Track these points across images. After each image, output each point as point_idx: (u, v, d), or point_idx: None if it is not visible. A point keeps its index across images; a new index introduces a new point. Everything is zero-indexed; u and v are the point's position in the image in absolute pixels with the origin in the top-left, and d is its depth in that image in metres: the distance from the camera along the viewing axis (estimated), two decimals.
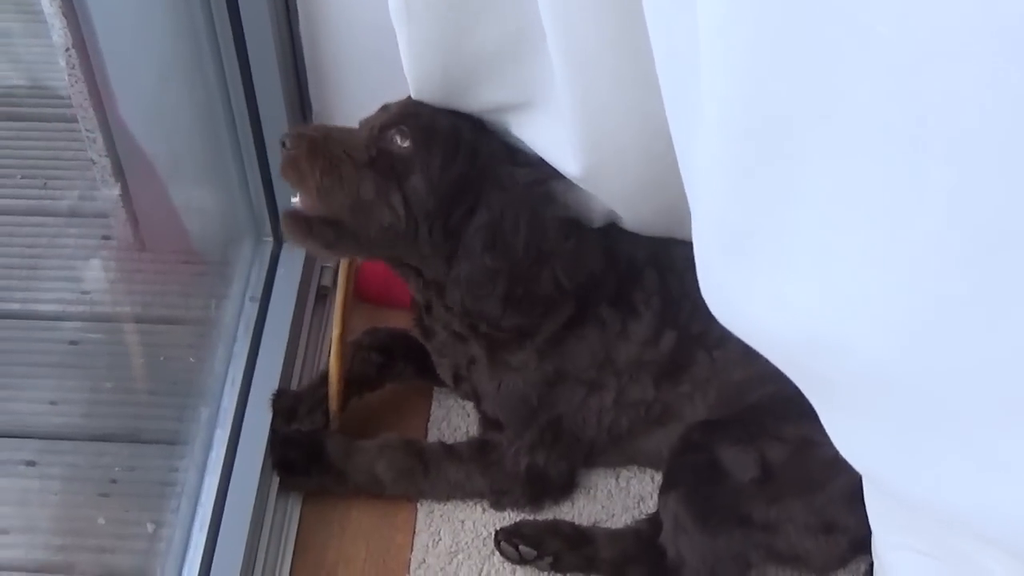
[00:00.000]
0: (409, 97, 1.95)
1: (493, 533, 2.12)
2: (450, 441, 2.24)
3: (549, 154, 1.91)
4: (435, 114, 1.93)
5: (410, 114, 1.92)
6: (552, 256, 1.95)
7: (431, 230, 1.92)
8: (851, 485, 1.82)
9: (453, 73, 1.86)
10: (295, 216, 1.92)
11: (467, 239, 1.92)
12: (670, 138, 1.45)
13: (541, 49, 1.73)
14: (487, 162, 1.94)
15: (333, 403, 2.19)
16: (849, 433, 1.47)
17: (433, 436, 2.29)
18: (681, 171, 1.46)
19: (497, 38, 1.80)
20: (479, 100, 1.92)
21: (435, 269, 1.98)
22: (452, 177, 1.91)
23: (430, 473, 2.15)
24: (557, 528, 2.12)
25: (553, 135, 1.85)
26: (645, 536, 2.08)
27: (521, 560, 2.08)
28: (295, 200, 1.94)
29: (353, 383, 2.23)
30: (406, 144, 1.90)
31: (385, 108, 1.97)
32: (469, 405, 2.28)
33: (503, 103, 1.92)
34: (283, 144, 1.91)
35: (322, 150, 1.88)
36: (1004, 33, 0.93)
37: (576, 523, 2.14)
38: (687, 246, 1.50)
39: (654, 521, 2.08)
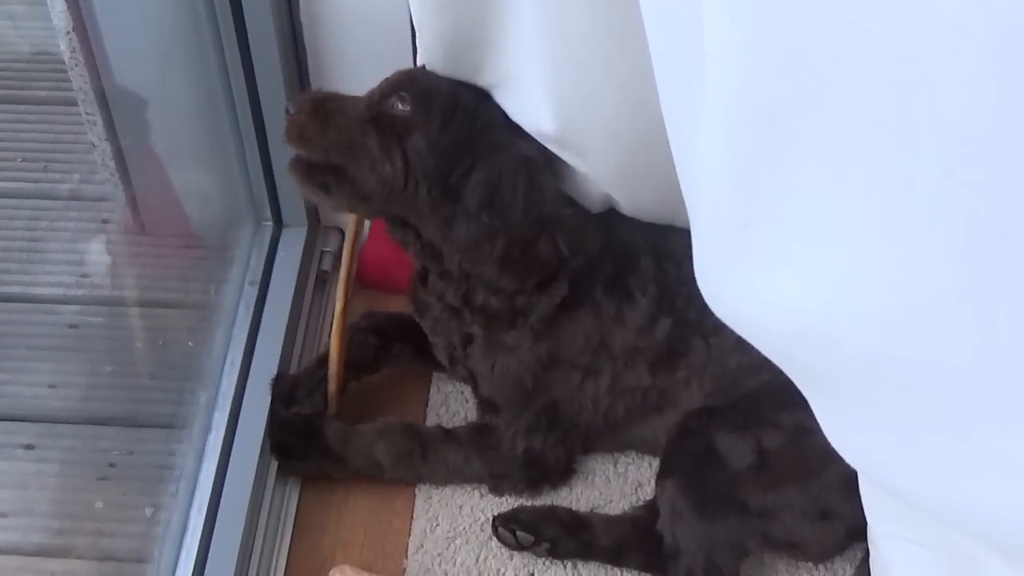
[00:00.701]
0: (410, 67, 1.96)
1: (491, 519, 2.13)
2: (449, 425, 2.25)
3: (528, 120, 1.93)
4: (434, 79, 1.94)
5: (408, 80, 1.95)
6: (551, 221, 1.96)
7: (430, 190, 1.93)
8: (847, 472, 1.80)
9: (462, 32, 1.86)
10: (297, 160, 1.96)
11: (465, 198, 1.93)
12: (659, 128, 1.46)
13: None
14: (487, 127, 1.95)
15: (333, 383, 2.19)
16: (841, 426, 1.47)
17: (431, 422, 2.28)
18: (675, 162, 1.46)
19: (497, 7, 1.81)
20: (485, 68, 1.93)
21: (433, 231, 1.99)
22: (451, 138, 1.92)
23: (428, 457, 2.15)
24: (554, 514, 2.12)
25: (533, 103, 1.86)
26: (642, 522, 2.08)
27: (518, 546, 2.09)
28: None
29: (351, 366, 2.23)
30: (406, 108, 1.91)
31: (387, 80, 1.98)
32: (467, 391, 2.28)
33: (505, 72, 1.92)
34: (287, 112, 1.93)
35: (324, 107, 1.92)
36: (992, 33, 0.94)
37: (573, 509, 2.15)
38: (686, 233, 1.51)
39: (651, 507, 2.08)
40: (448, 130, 1.92)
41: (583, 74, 1.73)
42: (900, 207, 1.11)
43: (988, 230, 1.05)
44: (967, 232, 1.07)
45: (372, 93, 1.95)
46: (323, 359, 2.21)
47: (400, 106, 1.91)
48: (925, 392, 1.23)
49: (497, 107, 1.96)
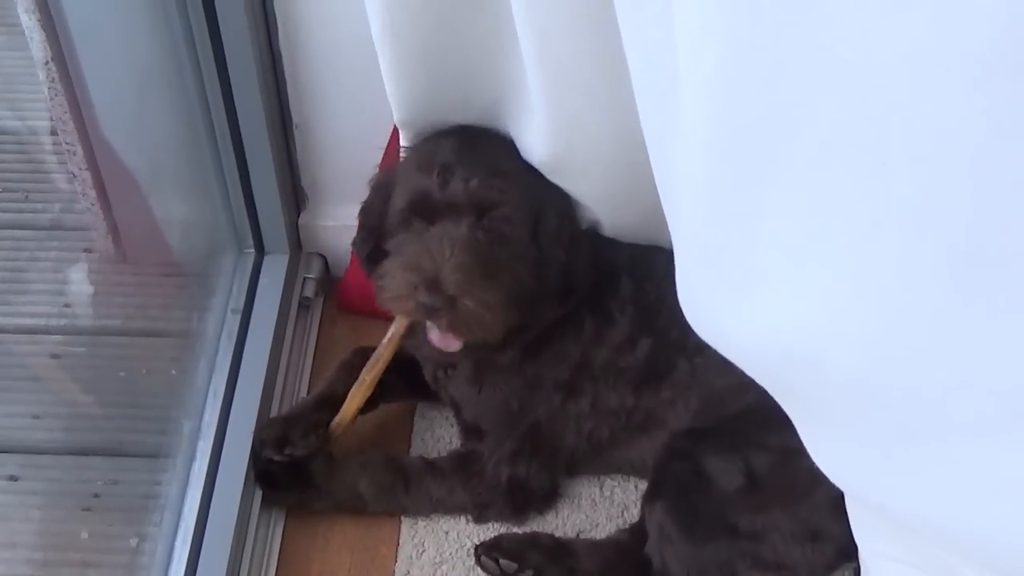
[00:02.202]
0: (460, 177, 1.90)
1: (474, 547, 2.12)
2: (434, 451, 2.25)
3: (524, 141, 1.94)
4: (500, 178, 1.91)
5: (488, 203, 1.90)
6: (583, 238, 2.01)
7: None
8: (836, 493, 1.81)
9: (438, 85, 1.86)
10: (477, 350, 1.98)
11: (545, 248, 1.96)
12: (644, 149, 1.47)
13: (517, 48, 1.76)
14: (531, 173, 1.96)
15: (339, 428, 2.17)
16: (825, 445, 1.47)
17: (417, 447, 2.28)
18: (657, 184, 1.46)
19: (478, 36, 1.81)
20: (465, 106, 1.93)
21: None
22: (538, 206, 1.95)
23: (411, 489, 2.14)
24: (537, 541, 2.11)
25: (528, 124, 1.87)
26: (625, 546, 2.08)
27: (502, 574, 2.08)
28: (434, 336, 1.96)
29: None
30: (507, 224, 1.91)
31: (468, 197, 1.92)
32: (452, 416, 2.27)
33: (492, 102, 1.92)
34: (431, 309, 1.87)
35: (482, 300, 1.87)
36: (963, 58, 0.94)
37: (556, 535, 2.14)
38: (667, 253, 1.51)
39: (635, 531, 2.08)
40: (534, 201, 1.94)
41: (567, 104, 1.73)
42: (877, 228, 1.12)
43: (964, 249, 1.06)
44: (943, 251, 1.08)
45: (467, 222, 1.89)
46: (320, 401, 2.20)
47: (506, 229, 1.91)
48: (907, 410, 1.23)
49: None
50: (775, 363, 1.38)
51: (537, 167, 1.93)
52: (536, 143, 1.86)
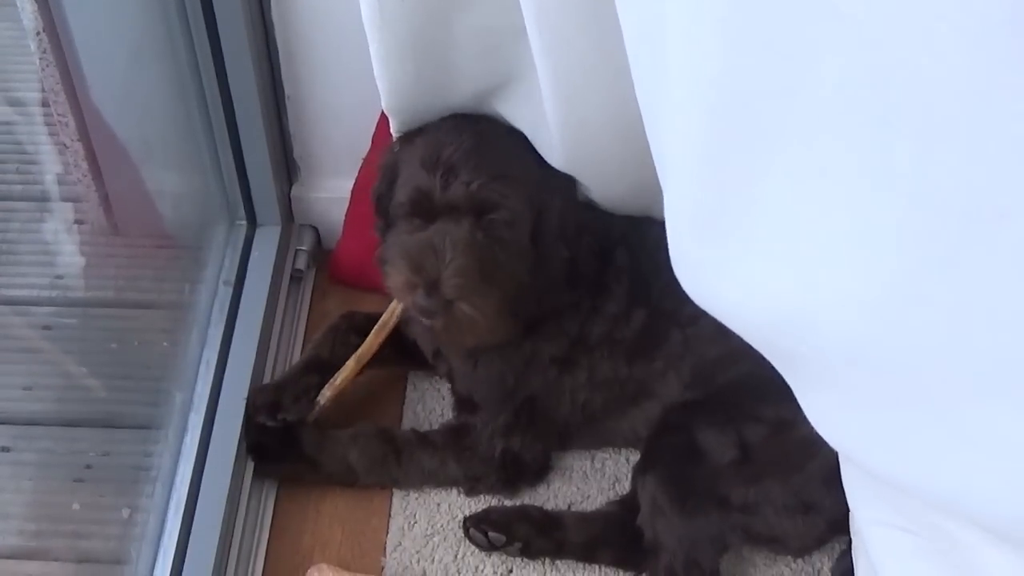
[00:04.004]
0: (456, 179, 1.90)
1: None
2: (426, 423, 2.25)
3: (535, 135, 1.94)
4: (503, 182, 1.91)
5: (488, 205, 1.89)
6: (584, 230, 1.99)
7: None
8: (829, 466, 1.82)
9: (426, 74, 1.86)
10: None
11: (546, 243, 1.95)
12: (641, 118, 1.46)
13: (515, 35, 1.75)
14: (536, 167, 1.96)
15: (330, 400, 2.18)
16: (823, 410, 1.47)
17: (408, 418, 2.28)
18: (652, 150, 1.46)
19: (469, 33, 1.80)
20: (453, 95, 1.93)
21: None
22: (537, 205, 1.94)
23: (403, 462, 2.14)
24: (526, 513, 2.11)
25: (536, 113, 1.86)
26: (614, 519, 2.08)
27: (491, 546, 2.08)
28: None
29: (334, 369, 2.21)
30: (507, 215, 1.90)
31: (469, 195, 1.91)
32: (444, 388, 2.28)
33: (481, 90, 1.92)
34: (428, 312, 1.89)
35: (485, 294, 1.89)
36: (968, 15, 0.94)
37: (546, 507, 2.14)
38: (660, 224, 1.51)
39: (624, 503, 2.09)
40: (536, 202, 1.93)
41: (567, 79, 1.72)
42: (877, 191, 1.11)
43: (964, 212, 1.05)
44: (943, 214, 1.07)
45: (467, 223, 1.89)
46: (308, 365, 2.20)
47: (504, 232, 1.90)
48: (904, 373, 1.23)
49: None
50: (772, 327, 1.37)
51: (532, 142, 1.93)
52: (530, 123, 1.87)
